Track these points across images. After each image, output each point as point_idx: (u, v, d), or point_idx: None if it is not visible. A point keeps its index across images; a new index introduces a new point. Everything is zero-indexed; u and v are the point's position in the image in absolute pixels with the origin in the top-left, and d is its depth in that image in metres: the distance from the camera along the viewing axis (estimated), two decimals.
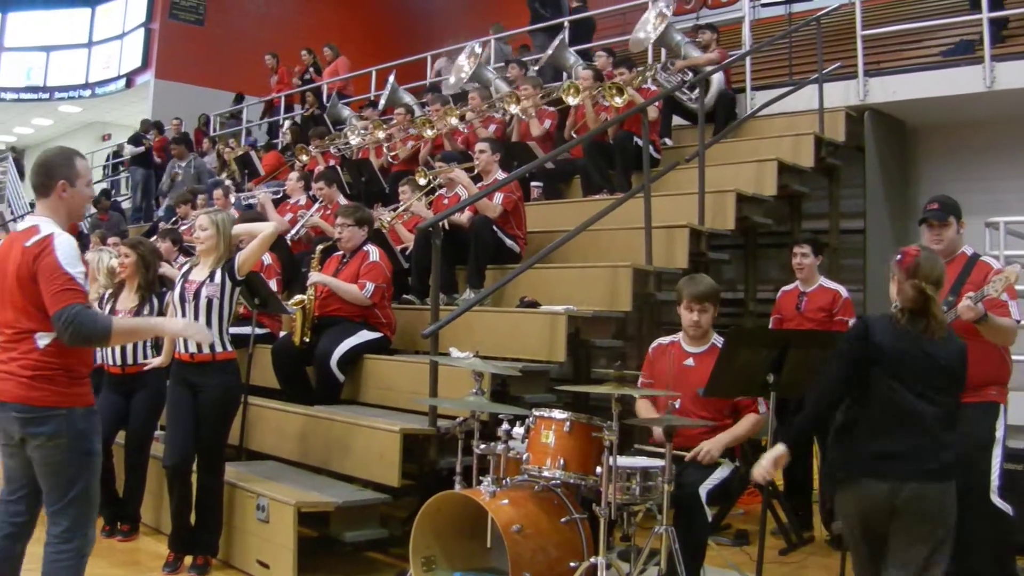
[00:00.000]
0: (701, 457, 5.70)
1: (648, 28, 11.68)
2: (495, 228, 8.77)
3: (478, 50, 13.71)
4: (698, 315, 6.02)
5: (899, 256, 4.60)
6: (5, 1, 26.41)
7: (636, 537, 5.43)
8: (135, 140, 19.95)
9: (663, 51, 11.89)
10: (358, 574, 6.82)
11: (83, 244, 10.74)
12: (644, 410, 6.15)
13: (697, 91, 10.19)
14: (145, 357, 7.39)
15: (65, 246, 4.48)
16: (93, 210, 17.28)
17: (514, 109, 10.99)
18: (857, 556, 4.55)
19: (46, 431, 4.44)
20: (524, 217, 9.13)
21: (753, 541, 7.08)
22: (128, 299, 7.48)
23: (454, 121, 11.54)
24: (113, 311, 7.38)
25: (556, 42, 13.08)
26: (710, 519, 5.77)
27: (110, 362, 7.38)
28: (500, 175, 9.12)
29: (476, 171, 9.47)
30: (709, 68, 10.69)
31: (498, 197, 8.77)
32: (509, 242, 8.84)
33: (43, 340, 4.46)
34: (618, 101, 9.83)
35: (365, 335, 7.92)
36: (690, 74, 10.85)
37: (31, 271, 4.42)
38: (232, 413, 6.75)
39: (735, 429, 5.88)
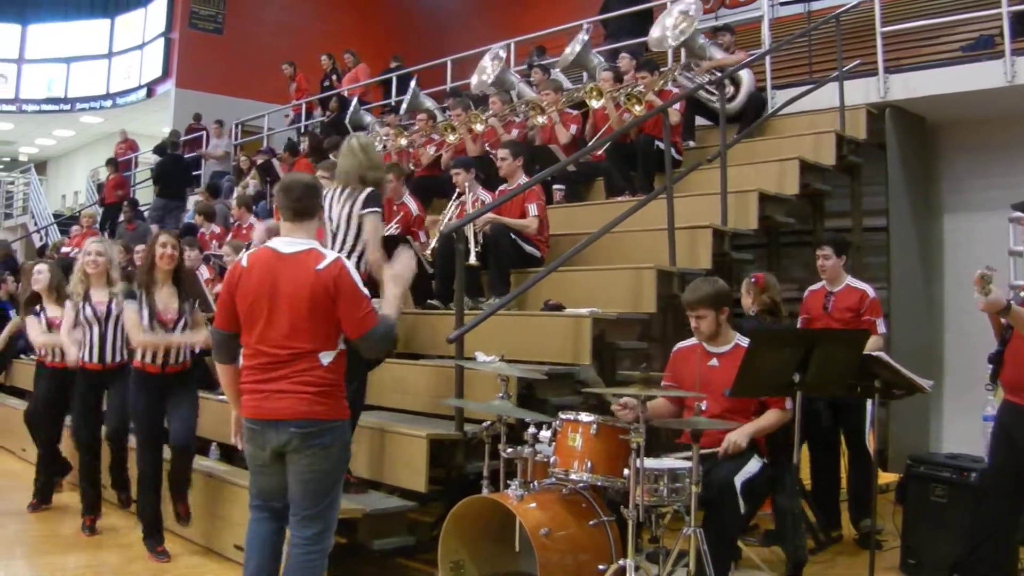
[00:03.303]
0: (731, 450, 5.70)
1: (667, 23, 11.58)
2: (513, 235, 8.75)
3: (502, 54, 13.70)
4: (695, 321, 6.06)
5: (754, 280, 7.15)
6: (25, 14, 26.56)
7: (664, 539, 5.43)
8: (160, 150, 20.04)
9: (683, 53, 11.84)
10: None
11: None
12: (662, 410, 6.17)
13: (731, 92, 10.20)
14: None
15: (353, 269, 4.82)
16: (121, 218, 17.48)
17: (541, 120, 10.99)
18: None
19: (323, 443, 4.69)
20: (547, 222, 9.09)
21: None
22: (166, 297, 7.13)
23: (479, 127, 11.54)
24: (154, 309, 7.06)
25: (577, 43, 13.08)
26: (743, 513, 5.76)
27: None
28: (524, 180, 9.05)
29: (500, 175, 9.47)
30: (734, 68, 10.66)
31: (532, 208, 8.79)
32: (529, 248, 8.80)
33: (327, 358, 4.73)
34: (637, 110, 9.82)
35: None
36: (718, 75, 10.80)
37: (330, 295, 4.67)
38: None
39: (759, 421, 5.90)
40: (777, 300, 6.81)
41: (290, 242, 4.81)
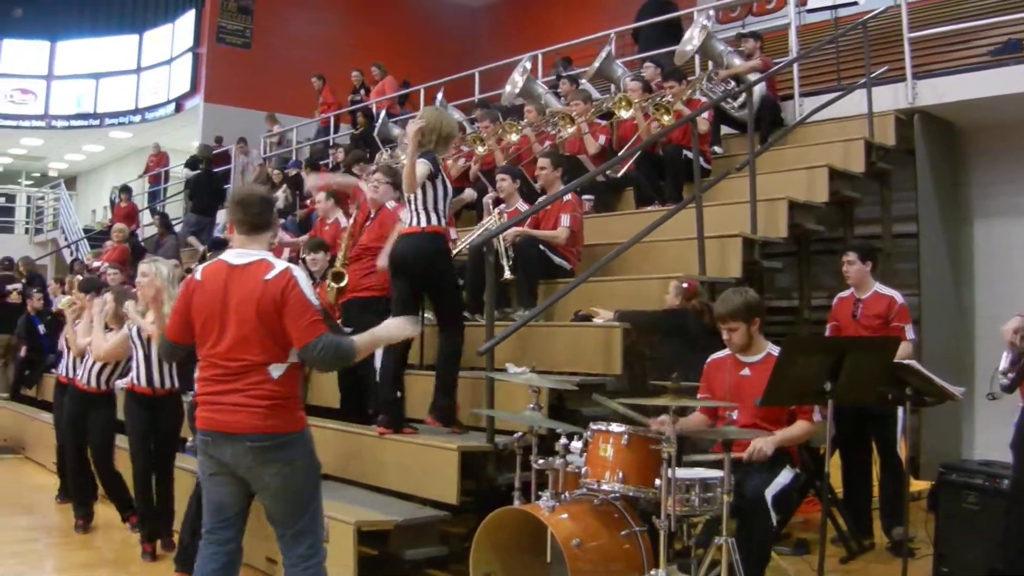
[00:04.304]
0: (755, 457, 5.66)
1: (694, 42, 11.70)
2: (541, 247, 8.75)
3: (527, 64, 13.73)
4: (727, 333, 6.03)
5: (685, 286, 7.45)
6: (54, 31, 26.70)
7: (696, 548, 5.43)
8: (192, 164, 20.15)
9: (710, 63, 11.86)
10: None
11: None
12: (697, 422, 6.17)
13: (741, 100, 10.19)
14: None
15: (304, 279, 4.72)
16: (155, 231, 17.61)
17: (570, 130, 11.01)
18: None
19: (286, 456, 4.67)
20: (580, 235, 9.09)
21: (813, 550, 7.06)
22: None
23: (514, 137, 11.56)
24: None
25: (604, 53, 13.11)
26: (775, 524, 5.74)
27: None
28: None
29: (539, 185, 9.49)
30: (752, 76, 10.65)
31: (565, 219, 8.79)
32: (558, 260, 8.81)
33: (277, 371, 4.67)
34: (666, 119, 9.82)
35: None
36: (733, 83, 10.81)
37: (277, 304, 4.61)
38: None
39: (786, 431, 5.82)
40: (709, 304, 6.87)
41: (242, 254, 4.79)
